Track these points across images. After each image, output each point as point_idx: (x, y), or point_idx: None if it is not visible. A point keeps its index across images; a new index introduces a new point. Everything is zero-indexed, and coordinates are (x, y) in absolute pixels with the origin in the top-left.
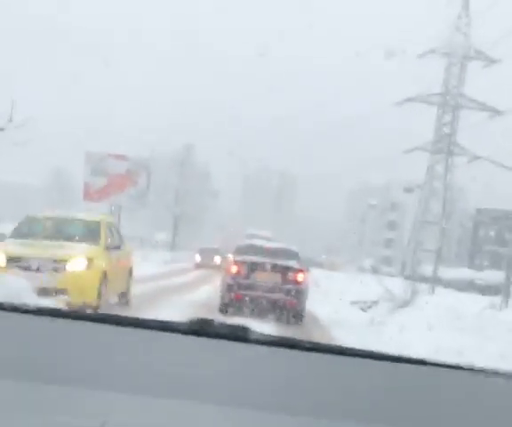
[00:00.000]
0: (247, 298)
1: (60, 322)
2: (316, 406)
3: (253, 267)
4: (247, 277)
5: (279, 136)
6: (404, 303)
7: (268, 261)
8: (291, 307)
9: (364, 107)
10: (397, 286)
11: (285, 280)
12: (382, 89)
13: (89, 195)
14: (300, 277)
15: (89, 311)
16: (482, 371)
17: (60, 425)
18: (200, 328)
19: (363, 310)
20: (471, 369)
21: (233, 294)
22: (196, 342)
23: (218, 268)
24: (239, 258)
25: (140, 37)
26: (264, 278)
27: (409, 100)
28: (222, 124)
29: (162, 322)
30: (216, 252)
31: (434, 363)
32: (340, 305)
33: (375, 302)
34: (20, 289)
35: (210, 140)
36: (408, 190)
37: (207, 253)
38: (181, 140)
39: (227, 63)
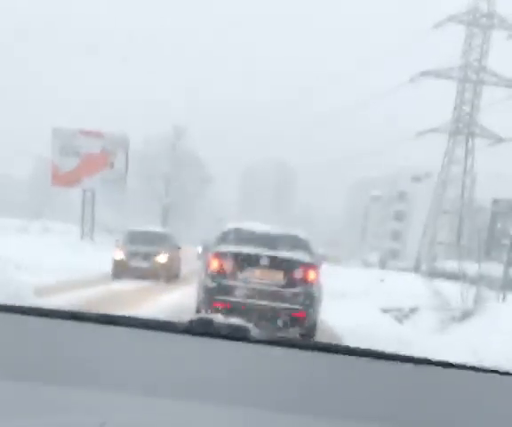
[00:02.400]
0: (234, 308)
1: (60, 322)
2: (316, 406)
3: (244, 261)
4: (235, 276)
5: (278, 124)
6: (465, 314)
7: (265, 252)
8: (298, 320)
9: (369, 87)
10: (443, 287)
11: (291, 281)
12: (389, 65)
13: (57, 178)
14: (311, 275)
15: (89, 312)
16: (488, 371)
17: (59, 425)
18: (200, 328)
19: (398, 320)
20: (474, 368)
21: (213, 303)
22: (195, 341)
23: (168, 275)
24: (224, 249)
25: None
26: (260, 278)
27: (424, 74)
28: (218, 109)
29: (162, 322)
30: (163, 240)
31: (437, 362)
32: (366, 312)
33: (413, 310)
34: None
35: (205, 126)
36: (416, 179)
37: (143, 242)
38: (172, 123)
39: (224, 47)
